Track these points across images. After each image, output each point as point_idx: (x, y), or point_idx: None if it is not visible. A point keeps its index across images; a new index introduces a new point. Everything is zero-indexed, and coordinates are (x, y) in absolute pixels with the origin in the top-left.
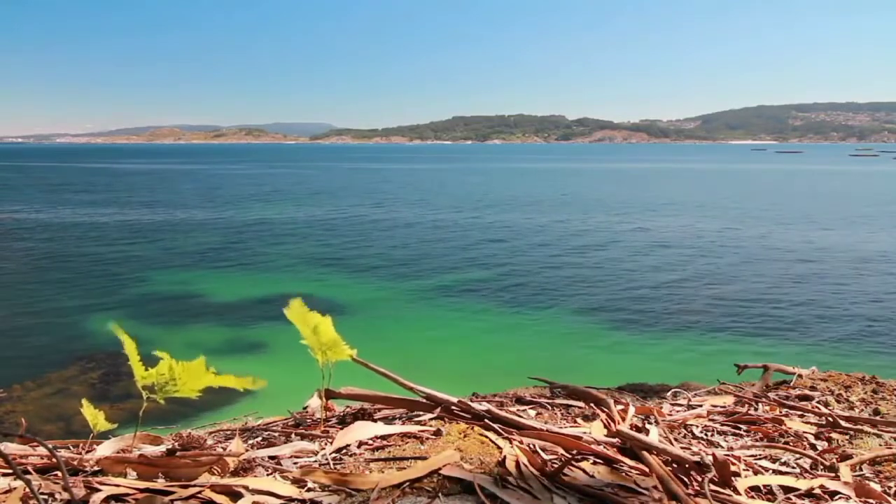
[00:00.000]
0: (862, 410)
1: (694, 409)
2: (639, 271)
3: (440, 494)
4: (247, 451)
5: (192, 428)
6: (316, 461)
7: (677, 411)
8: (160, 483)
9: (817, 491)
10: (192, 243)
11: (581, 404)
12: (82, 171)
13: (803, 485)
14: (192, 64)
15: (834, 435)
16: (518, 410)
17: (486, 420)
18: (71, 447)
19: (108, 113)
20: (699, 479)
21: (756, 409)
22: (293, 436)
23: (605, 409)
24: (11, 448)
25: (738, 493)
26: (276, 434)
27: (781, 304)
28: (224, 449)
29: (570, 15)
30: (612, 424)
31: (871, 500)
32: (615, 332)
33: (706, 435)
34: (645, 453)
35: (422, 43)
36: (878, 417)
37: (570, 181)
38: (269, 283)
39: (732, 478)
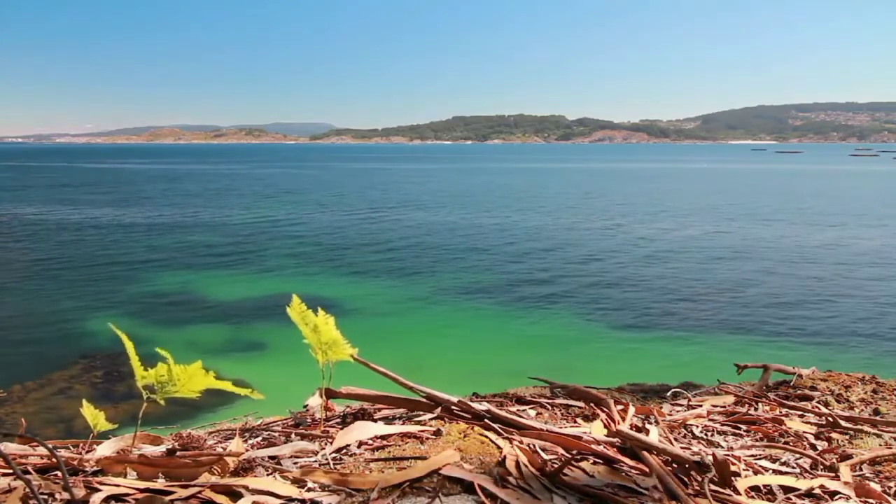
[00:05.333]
0: (862, 410)
1: (694, 409)
2: (638, 271)
3: (440, 494)
4: (247, 451)
5: (192, 428)
6: (316, 461)
7: (677, 411)
8: (160, 483)
9: (817, 491)
10: (193, 243)
11: (581, 404)
12: (82, 172)
13: (803, 485)
14: (192, 64)
15: (834, 435)
16: (518, 410)
17: (486, 420)
18: (71, 447)
19: (108, 113)
20: (699, 479)
21: (756, 409)
22: (293, 436)
23: (605, 409)
24: (11, 448)
25: (738, 493)
26: (276, 434)
27: (782, 304)
28: (224, 449)
29: (570, 14)
30: (612, 424)
31: (871, 500)
32: (615, 332)
33: (706, 435)
34: (645, 453)
35: (422, 43)
36: (878, 417)
37: (571, 181)
38: (270, 282)
39: (732, 478)
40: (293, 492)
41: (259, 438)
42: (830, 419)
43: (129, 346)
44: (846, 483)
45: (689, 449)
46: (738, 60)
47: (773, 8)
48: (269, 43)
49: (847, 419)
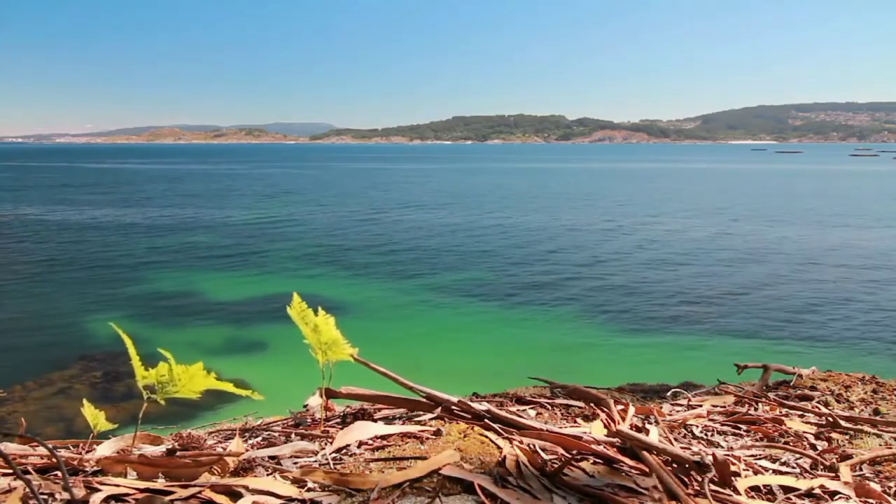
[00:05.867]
0: (862, 410)
1: (694, 409)
2: (638, 272)
3: (440, 494)
4: (247, 451)
5: (192, 428)
6: (316, 461)
7: (677, 411)
8: (160, 483)
9: (817, 491)
10: (193, 243)
11: (581, 404)
12: (82, 172)
13: (803, 485)
14: (192, 64)
15: (834, 435)
16: (518, 410)
17: (486, 420)
18: (71, 447)
19: (108, 113)
20: (699, 479)
21: (756, 409)
22: (293, 436)
23: (605, 409)
24: (11, 448)
25: (738, 493)
26: (276, 434)
27: (782, 304)
28: (224, 449)
29: (570, 14)
30: (612, 424)
31: (871, 500)
32: (615, 332)
33: (706, 435)
34: (645, 453)
35: (422, 43)
36: (878, 417)
37: (572, 181)
38: (270, 282)
39: (732, 478)
40: (293, 492)
41: (259, 438)
42: (830, 419)
43: (130, 346)
44: (846, 483)
45: (689, 449)
46: (738, 60)
47: (773, 8)
48: (269, 43)
49: (847, 419)
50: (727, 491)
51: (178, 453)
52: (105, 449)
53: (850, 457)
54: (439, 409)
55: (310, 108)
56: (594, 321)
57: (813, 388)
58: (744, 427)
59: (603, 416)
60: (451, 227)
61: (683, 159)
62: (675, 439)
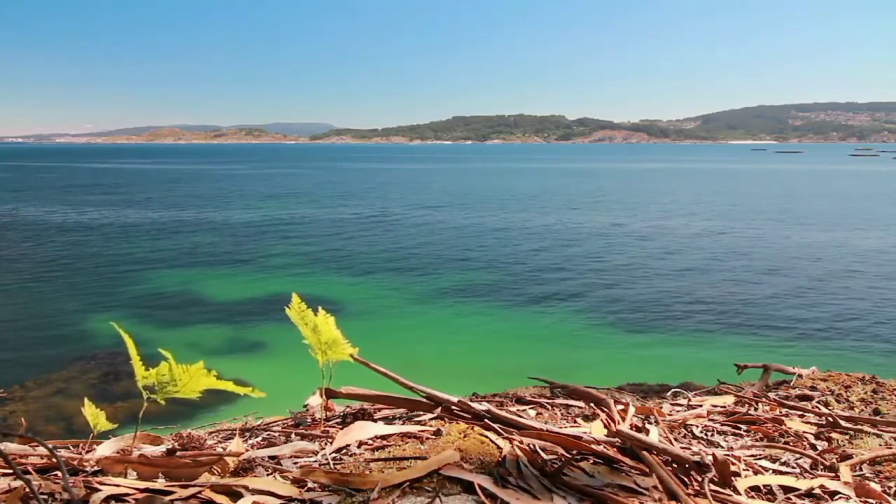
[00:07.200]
0: (862, 410)
1: (694, 409)
2: (639, 272)
3: (440, 494)
4: (247, 451)
5: (192, 428)
6: (316, 461)
7: (677, 411)
8: (160, 483)
9: (817, 491)
10: (193, 243)
11: (581, 404)
12: (83, 172)
13: (803, 485)
14: (192, 64)
15: (834, 435)
16: (518, 410)
17: (486, 420)
18: (71, 447)
19: (108, 113)
20: (699, 479)
21: (756, 409)
22: (293, 436)
23: (605, 409)
24: (11, 448)
25: (738, 493)
26: (276, 434)
27: (782, 304)
28: (224, 449)
29: (570, 15)
30: (612, 424)
31: (871, 500)
32: (616, 332)
33: (706, 435)
34: (645, 453)
35: (422, 43)
36: (878, 417)
37: (572, 181)
38: (270, 283)
39: (732, 478)
40: (293, 492)
41: (259, 438)
42: (830, 419)
43: (131, 346)
44: (846, 483)
45: (689, 449)
46: (738, 60)
47: (773, 8)
48: (269, 43)
49: (847, 419)
50: (727, 491)
51: (178, 453)
52: (105, 449)
53: (850, 457)
54: (439, 409)
55: (310, 108)
56: (594, 321)
57: (813, 388)
58: (744, 427)
59: (603, 416)
60: (452, 227)
61: (684, 159)
62: (675, 439)
